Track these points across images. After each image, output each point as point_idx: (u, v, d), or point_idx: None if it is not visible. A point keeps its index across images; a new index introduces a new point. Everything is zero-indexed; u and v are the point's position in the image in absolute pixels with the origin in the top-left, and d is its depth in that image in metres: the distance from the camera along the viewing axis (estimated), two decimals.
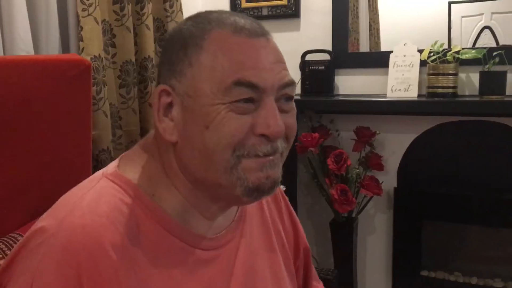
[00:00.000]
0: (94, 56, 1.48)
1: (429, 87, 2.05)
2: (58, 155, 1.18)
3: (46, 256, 0.54)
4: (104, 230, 0.55)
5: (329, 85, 2.28)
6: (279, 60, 0.61)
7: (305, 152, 2.20)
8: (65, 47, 1.50)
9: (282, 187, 0.86)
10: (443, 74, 2.00)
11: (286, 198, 0.83)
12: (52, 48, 1.42)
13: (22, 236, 0.68)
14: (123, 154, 0.67)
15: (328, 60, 2.25)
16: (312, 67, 2.26)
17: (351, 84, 2.32)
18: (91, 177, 0.64)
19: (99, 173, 0.64)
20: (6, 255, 0.88)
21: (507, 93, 1.96)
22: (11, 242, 0.99)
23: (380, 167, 2.19)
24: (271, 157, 0.60)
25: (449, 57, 1.98)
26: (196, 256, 0.63)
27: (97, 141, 1.51)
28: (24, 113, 1.08)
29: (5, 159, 1.05)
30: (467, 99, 2.02)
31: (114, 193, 0.59)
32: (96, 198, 0.58)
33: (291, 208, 0.84)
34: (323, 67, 2.25)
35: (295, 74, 2.21)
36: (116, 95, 1.68)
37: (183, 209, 0.63)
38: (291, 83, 0.62)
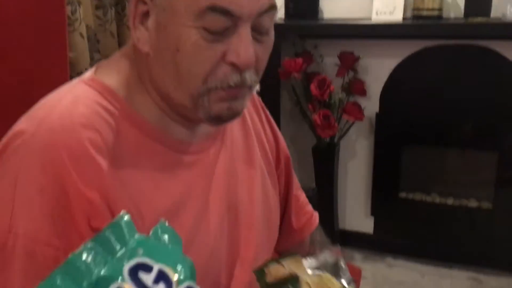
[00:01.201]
0: None
1: (414, 9, 2.02)
2: (34, 76, 1.15)
3: (27, 157, 0.54)
4: (83, 130, 0.55)
5: (314, 9, 2.23)
6: None
7: (288, 78, 2.18)
8: None
9: None
10: None
11: (265, 108, 0.83)
12: None
13: None
14: (100, 61, 0.66)
15: None
16: None
17: (336, 7, 2.26)
18: (69, 83, 0.63)
19: (76, 79, 0.63)
20: None
21: (492, 15, 1.94)
22: None
23: (363, 93, 2.20)
24: (238, 89, 0.60)
25: None
26: (177, 159, 0.64)
27: (74, 63, 1.47)
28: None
29: None
30: (451, 22, 1.99)
31: (91, 96, 0.59)
32: (74, 101, 0.58)
33: (270, 117, 0.84)
34: None
35: None
36: (93, 17, 1.62)
37: (160, 116, 0.63)
38: (272, 8, 0.58)
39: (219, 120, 0.62)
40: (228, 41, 0.57)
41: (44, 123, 0.55)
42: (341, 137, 2.28)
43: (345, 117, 2.18)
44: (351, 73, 2.21)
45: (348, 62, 2.18)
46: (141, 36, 0.59)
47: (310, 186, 2.18)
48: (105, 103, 0.59)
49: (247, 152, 0.76)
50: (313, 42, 2.27)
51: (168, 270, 0.41)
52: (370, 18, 2.12)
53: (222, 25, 0.55)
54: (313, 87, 2.14)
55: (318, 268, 0.54)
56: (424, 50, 2.11)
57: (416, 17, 2.01)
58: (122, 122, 0.60)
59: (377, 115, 2.26)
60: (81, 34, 1.48)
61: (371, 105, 2.25)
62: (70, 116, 0.56)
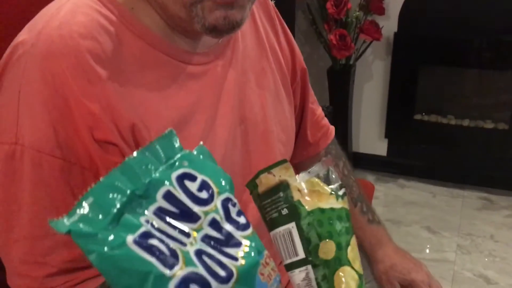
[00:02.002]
0: None
1: None
2: None
3: (29, 67, 0.53)
4: (82, 40, 0.53)
5: None
6: None
7: None
8: None
9: None
10: None
11: (282, 20, 0.79)
12: None
13: None
14: None
15: None
16: None
17: None
18: None
19: None
20: None
21: None
22: None
23: (381, 11, 2.12)
24: None
25: None
26: (184, 70, 0.62)
27: None
28: None
29: None
30: None
31: (91, 4, 0.57)
32: (73, 10, 0.56)
33: (286, 27, 0.80)
34: None
35: None
36: None
37: (163, 27, 0.61)
38: None
39: (216, 31, 0.58)
40: None
41: (43, 34, 0.53)
42: (357, 58, 2.24)
43: (362, 37, 2.13)
44: None
45: None
46: None
47: (324, 105, 2.16)
48: (105, 11, 0.57)
49: (260, 64, 0.73)
50: None
51: (210, 181, 0.44)
52: None
53: None
54: (329, 5, 2.07)
55: (279, 163, 0.54)
56: None
57: None
58: (124, 31, 0.57)
59: (395, 34, 2.20)
60: None
61: (389, 24, 2.18)
62: (69, 25, 0.54)
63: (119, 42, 0.57)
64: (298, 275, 0.51)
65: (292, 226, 0.51)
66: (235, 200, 0.45)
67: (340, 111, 2.29)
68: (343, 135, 2.35)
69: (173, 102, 0.61)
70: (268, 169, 0.54)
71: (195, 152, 0.46)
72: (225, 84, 0.67)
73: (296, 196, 0.52)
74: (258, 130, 0.71)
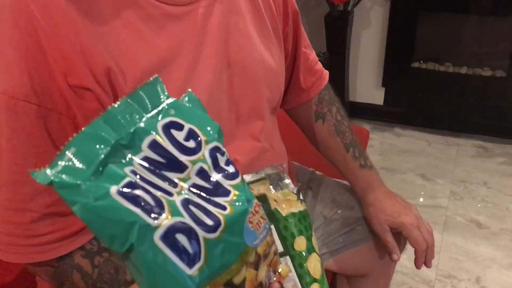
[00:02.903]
0: None
1: None
2: None
3: (0, 13, 0.52)
4: None
5: None
6: None
7: None
8: None
9: None
10: None
11: None
12: None
13: None
14: None
15: None
16: None
17: None
18: None
19: None
20: None
21: None
22: None
23: None
24: None
25: None
26: (163, 10, 0.59)
27: None
28: None
29: None
30: None
31: None
32: None
33: None
34: None
35: None
36: None
37: None
38: None
39: None
40: None
41: None
42: (355, 4, 2.18)
43: None
44: None
45: None
46: None
47: (320, 51, 2.11)
48: None
49: (248, 6, 0.71)
50: None
51: (197, 130, 0.43)
52: None
53: None
54: None
55: (258, 179, 0.63)
56: None
57: None
58: None
59: None
60: None
61: None
62: None
63: None
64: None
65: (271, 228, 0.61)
66: (223, 149, 0.45)
67: (337, 59, 2.26)
68: (340, 84, 2.33)
69: (152, 45, 0.58)
70: (248, 184, 0.61)
71: (183, 100, 0.45)
72: (208, 26, 0.64)
73: (273, 205, 0.63)
74: (245, 75, 0.70)
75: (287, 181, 0.66)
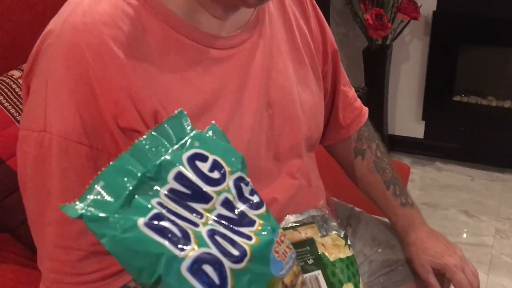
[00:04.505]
0: None
1: None
2: None
3: (54, 56, 0.54)
4: (106, 28, 0.54)
5: None
6: None
7: None
8: None
9: None
10: None
11: (314, 1, 0.78)
12: None
13: None
14: None
15: None
16: None
17: None
18: None
19: None
20: None
21: None
22: None
23: None
24: None
25: None
26: (208, 54, 0.61)
27: None
28: None
29: None
30: None
31: None
32: None
33: (318, 9, 0.78)
34: None
35: None
36: None
37: (190, 8, 0.60)
38: None
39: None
40: None
41: (67, 22, 0.54)
42: (394, 38, 2.18)
43: (399, 16, 2.07)
44: None
45: None
46: None
47: (359, 86, 2.12)
48: None
49: (288, 47, 0.72)
50: None
51: (221, 161, 0.44)
52: None
53: None
54: None
55: (305, 223, 0.64)
56: None
57: None
58: (147, 17, 0.57)
59: (434, 13, 2.13)
60: None
61: (428, 2, 2.11)
62: (92, 14, 0.54)
63: (142, 28, 0.57)
64: None
65: (318, 273, 0.61)
66: (247, 179, 0.45)
67: (375, 92, 2.25)
68: (379, 117, 2.31)
69: (197, 87, 0.60)
70: (294, 227, 0.63)
71: (207, 132, 0.46)
72: (251, 68, 0.66)
73: (320, 249, 0.63)
74: (285, 115, 0.71)
75: (333, 223, 0.65)
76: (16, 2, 1.04)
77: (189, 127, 0.44)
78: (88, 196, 0.38)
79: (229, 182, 0.43)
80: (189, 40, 0.60)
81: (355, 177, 0.93)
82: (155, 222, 0.38)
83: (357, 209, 1.01)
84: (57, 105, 0.54)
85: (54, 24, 0.56)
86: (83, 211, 0.37)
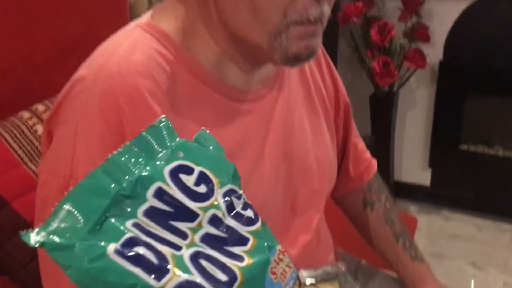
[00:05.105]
0: None
1: None
2: (97, 20, 1.17)
3: (88, 102, 0.54)
4: (140, 78, 0.55)
5: None
6: None
7: (347, 23, 2.10)
8: None
9: None
10: None
11: (326, 54, 0.80)
12: None
13: None
14: (156, 5, 0.64)
15: None
16: None
17: None
18: (126, 27, 0.62)
19: (132, 24, 0.62)
20: None
21: None
22: None
23: (426, 38, 2.09)
24: (317, 25, 0.58)
25: None
26: (233, 107, 0.63)
27: (133, 7, 1.48)
28: None
29: (47, 24, 1.05)
30: None
31: (149, 43, 0.58)
32: (131, 47, 0.57)
33: (332, 64, 0.80)
34: None
35: None
36: None
37: (218, 61, 0.62)
38: None
39: (297, 60, 0.59)
40: None
41: (103, 70, 0.55)
42: (400, 85, 2.20)
43: (406, 64, 2.10)
44: (414, 18, 2.10)
45: (412, 6, 2.06)
46: None
47: (366, 134, 2.13)
48: (162, 49, 0.58)
49: (304, 100, 0.73)
50: None
51: (209, 173, 0.39)
52: None
53: None
54: (373, 33, 2.05)
55: (319, 277, 0.61)
56: None
57: None
58: (179, 68, 0.58)
59: (441, 62, 2.16)
60: None
61: (434, 52, 2.14)
62: (128, 63, 0.55)
63: (174, 79, 0.58)
64: None
65: None
66: (239, 192, 0.41)
67: (382, 139, 2.25)
68: (385, 163, 2.30)
69: (221, 139, 0.59)
70: (315, 284, 0.59)
71: (193, 141, 0.41)
72: (272, 121, 0.67)
73: None
74: (300, 167, 0.71)
75: (350, 279, 0.64)
76: (26, 45, 1.06)
77: (172, 135, 0.40)
78: (52, 222, 0.33)
79: (218, 196, 0.39)
80: (216, 94, 0.61)
81: (364, 228, 0.92)
82: (128, 248, 0.33)
83: (364, 261, 0.99)
84: (87, 151, 0.53)
85: (86, 70, 0.56)
86: (45, 238, 0.32)
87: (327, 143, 0.77)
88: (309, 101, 0.74)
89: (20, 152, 0.94)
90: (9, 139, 0.94)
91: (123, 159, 0.37)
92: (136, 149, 0.38)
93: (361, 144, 0.89)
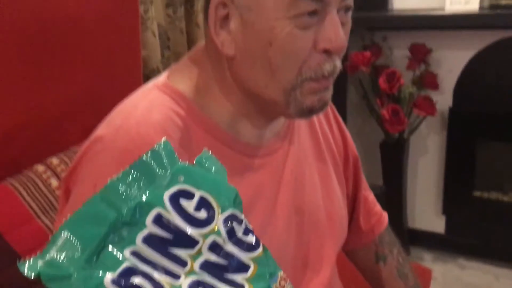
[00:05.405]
0: None
1: None
2: (110, 74, 1.20)
3: (106, 161, 0.56)
4: (158, 137, 0.55)
5: (383, 0, 2.16)
6: None
7: (356, 71, 2.14)
8: None
9: None
10: None
11: (334, 108, 0.81)
12: None
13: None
14: (172, 66, 0.67)
15: None
16: None
17: None
18: (143, 88, 0.64)
19: (150, 84, 0.64)
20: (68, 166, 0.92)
21: None
22: (72, 155, 1.04)
23: (435, 86, 2.11)
24: (330, 79, 0.60)
25: None
26: (246, 163, 0.65)
27: (146, 61, 1.53)
28: (77, 32, 1.09)
29: (61, 78, 1.09)
30: None
31: (166, 103, 0.60)
32: (149, 108, 0.59)
33: (339, 117, 0.82)
34: None
35: None
36: (163, 15, 1.67)
37: (232, 119, 0.64)
38: None
39: (311, 113, 0.62)
40: (318, 28, 0.57)
41: (121, 130, 0.57)
42: (411, 132, 2.21)
43: (415, 112, 2.11)
44: (422, 66, 2.13)
45: (420, 55, 2.09)
46: (224, 40, 0.59)
47: (377, 183, 2.13)
48: (177, 108, 0.60)
49: (314, 153, 0.75)
50: (382, 34, 2.20)
51: (210, 198, 0.39)
52: (443, 8, 2.02)
53: (313, 11, 0.56)
54: (381, 81, 2.08)
55: None
56: (502, 40, 1.99)
57: (493, 6, 1.89)
58: (193, 126, 0.61)
59: (451, 109, 2.17)
60: (153, 33, 1.53)
61: (443, 99, 2.16)
62: (146, 123, 0.57)
63: (189, 136, 0.60)
64: None
65: None
66: (241, 217, 0.40)
67: (394, 185, 2.23)
68: (398, 210, 2.28)
69: None
70: None
71: (195, 163, 0.41)
72: (283, 175, 0.68)
73: None
74: (311, 222, 0.72)
75: None
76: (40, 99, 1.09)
77: (172, 158, 0.39)
78: (49, 251, 0.33)
79: (219, 221, 0.38)
80: (230, 150, 0.63)
81: (377, 283, 0.90)
82: (125, 278, 0.33)
83: None
84: None
85: (105, 130, 0.58)
86: (41, 269, 0.32)
87: (337, 196, 0.78)
88: (318, 154, 0.75)
89: (33, 205, 0.95)
90: (23, 192, 0.95)
91: (122, 185, 0.36)
92: (135, 174, 0.38)
93: (371, 197, 0.89)
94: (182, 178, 0.38)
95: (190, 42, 1.77)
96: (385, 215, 0.91)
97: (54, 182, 0.99)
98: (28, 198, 0.95)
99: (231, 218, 0.39)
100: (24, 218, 0.93)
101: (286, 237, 0.68)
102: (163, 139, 0.42)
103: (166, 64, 1.68)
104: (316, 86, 0.59)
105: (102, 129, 0.59)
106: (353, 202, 0.87)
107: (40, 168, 1.01)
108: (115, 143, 0.56)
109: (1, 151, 0.98)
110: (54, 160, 1.03)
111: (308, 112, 0.61)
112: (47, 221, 0.95)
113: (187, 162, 0.40)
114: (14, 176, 0.97)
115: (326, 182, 0.75)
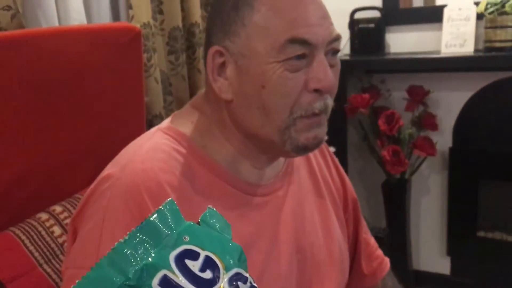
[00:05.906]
0: (143, 23, 1.50)
1: (486, 41, 1.95)
2: (114, 121, 1.22)
3: (114, 197, 0.58)
4: (162, 173, 0.60)
5: (380, 44, 2.21)
6: (326, 15, 0.64)
7: (355, 113, 2.17)
8: (115, 15, 1.53)
9: (332, 149, 0.87)
10: (502, 27, 1.89)
11: (333, 155, 0.84)
12: (103, 17, 1.45)
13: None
14: (175, 112, 0.71)
15: (378, 18, 2.18)
16: (361, 25, 2.19)
17: (402, 41, 2.24)
18: (147, 132, 0.69)
19: (154, 128, 0.69)
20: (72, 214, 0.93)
21: None
22: (76, 202, 1.04)
23: (434, 127, 2.13)
24: (321, 116, 0.64)
25: (507, 8, 1.87)
26: (247, 201, 0.67)
27: (149, 107, 1.55)
28: (81, 81, 1.12)
29: (65, 126, 1.10)
30: None
31: (169, 144, 0.64)
32: (153, 148, 0.63)
33: (338, 163, 0.85)
34: (373, 25, 2.18)
35: (343, 33, 2.15)
36: (166, 62, 1.71)
37: (233, 159, 0.67)
38: (338, 38, 0.64)
39: (306, 149, 0.65)
40: (307, 70, 0.61)
41: (128, 168, 0.60)
42: (412, 172, 2.21)
43: (416, 152, 2.12)
44: (421, 107, 2.16)
45: (418, 96, 2.13)
46: (222, 86, 0.63)
47: (380, 224, 2.12)
48: (181, 148, 0.64)
49: (314, 193, 0.77)
50: (380, 77, 2.24)
51: (215, 257, 0.39)
52: (439, 52, 2.07)
53: (301, 55, 0.60)
54: (381, 122, 2.11)
55: None
56: (499, 81, 2.03)
57: (488, 49, 1.94)
58: (195, 165, 0.64)
59: (451, 149, 2.18)
60: (155, 79, 1.56)
61: (443, 139, 2.18)
62: (151, 161, 0.60)
63: (192, 174, 0.63)
64: None
65: None
66: (246, 275, 0.40)
67: (397, 227, 2.22)
68: (402, 251, 2.25)
69: (235, 231, 0.62)
70: None
71: (199, 222, 0.41)
72: (283, 215, 0.70)
73: None
74: (313, 261, 0.73)
75: None
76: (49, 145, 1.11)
77: (178, 218, 0.39)
78: None
79: (224, 282, 0.38)
80: (231, 188, 0.66)
81: None
82: None
83: None
84: (112, 241, 0.55)
85: (112, 170, 0.61)
86: None
87: (338, 236, 0.79)
88: (318, 194, 0.77)
89: (36, 254, 0.95)
90: (26, 241, 0.95)
91: (128, 247, 0.37)
92: (142, 236, 0.38)
93: (372, 241, 0.90)
94: (187, 238, 0.39)
95: (192, 87, 1.81)
96: (387, 260, 0.91)
97: (57, 230, 0.99)
98: (31, 247, 0.95)
99: (236, 277, 0.39)
100: (27, 267, 0.92)
101: (288, 275, 0.69)
102: (169, 199, 0.43)
103: (168, 109, 1.71)
104: (308, 122, 0.62)
105: (109, 169, 0.62)
106: (354, 244, 0.87)
107: (43, 216, 1.01)
108: (121, 180, 0.59)
109: (5, 200, 0.99)
110: (57, 208, 1.04)
111: (303, 149, 0.64)
112: (49, 270, 0.94)
113: (192, 222, 0.41)
114: (17, 225, 0.97)
115: (327, 222, 0.77)
